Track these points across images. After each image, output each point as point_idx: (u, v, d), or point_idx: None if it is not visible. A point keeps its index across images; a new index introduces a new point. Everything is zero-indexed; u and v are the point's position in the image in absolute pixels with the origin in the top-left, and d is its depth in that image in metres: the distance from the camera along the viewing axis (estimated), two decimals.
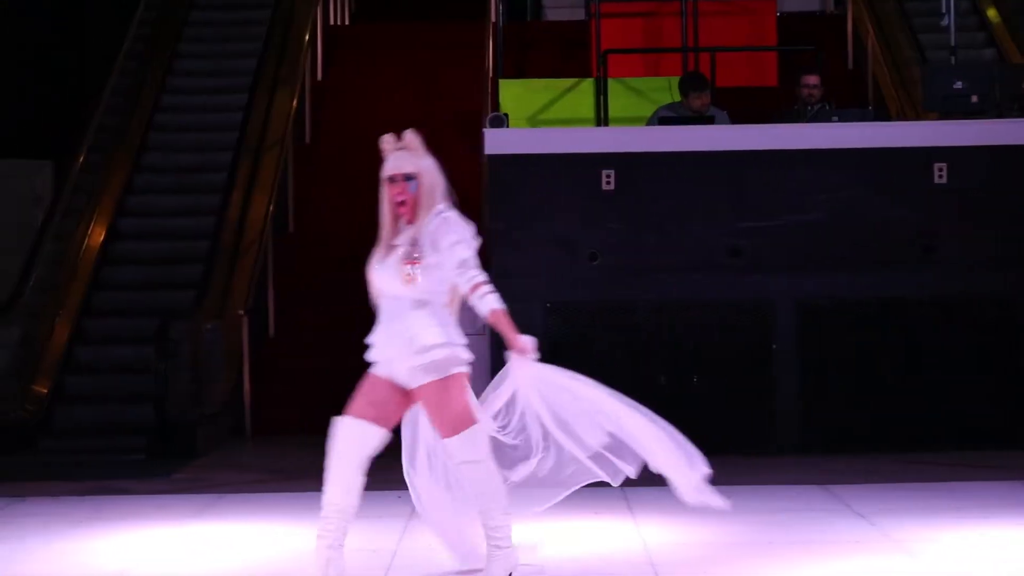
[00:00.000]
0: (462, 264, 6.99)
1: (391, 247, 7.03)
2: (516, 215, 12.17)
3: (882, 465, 11.21)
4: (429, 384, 6.99)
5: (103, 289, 14.68)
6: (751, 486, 10.44)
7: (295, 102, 16.81)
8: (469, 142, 14.48)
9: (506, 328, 7.13)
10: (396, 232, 7.05)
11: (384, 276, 7.02)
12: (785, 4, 18.33)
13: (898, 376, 12.03)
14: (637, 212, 12.09)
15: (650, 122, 13.05)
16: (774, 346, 11.99)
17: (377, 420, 7.15)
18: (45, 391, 13.48)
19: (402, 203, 7.00)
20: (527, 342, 7.18)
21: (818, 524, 9.06)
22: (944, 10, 13.04)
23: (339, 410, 13.72)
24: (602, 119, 13.51)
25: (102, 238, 15.00)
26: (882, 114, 14.97)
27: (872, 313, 12.04)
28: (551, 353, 12.01)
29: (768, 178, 12.07)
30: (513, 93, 14.58)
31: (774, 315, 11.97)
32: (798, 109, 13.33)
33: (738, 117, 13.33)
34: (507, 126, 12.80)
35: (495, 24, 16.50)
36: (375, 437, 7.14)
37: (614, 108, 13.70)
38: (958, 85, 12.40)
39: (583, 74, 15.13)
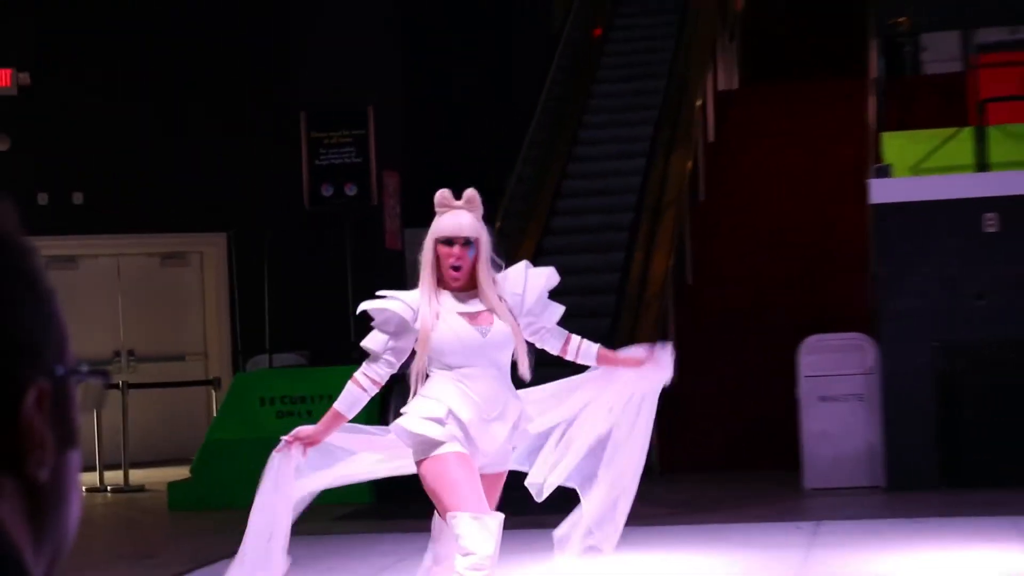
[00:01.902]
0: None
1: (471, 314, 5.90)
2: (903, 260, 12.09)
3: None
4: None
5: None
6: None
7: (690, 163, 16.91)
8: (854, 192, 14.35)
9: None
10: (438, 294, 5.94)
11: (481, 350, 5.86)
12: None
13: None
14: (1021, 253, 11.85)
15: None
16: None
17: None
18: None
19: (457, 268, 5.89)
20: None
21: None
22: None
23: (741, 448, 13.79)
24: (983, 165, 13.24)
25: None
26: None
27: None
28: (939, 390, 11.91)
29: None
30: (895, 144, 14.37)
31: None
32: None
33: None
34: (891, 176, 12.70)
35: (875, 79, 16.33)
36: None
37: (995, 154, 13.39)
38: None
39: (962, 123, 14.83)
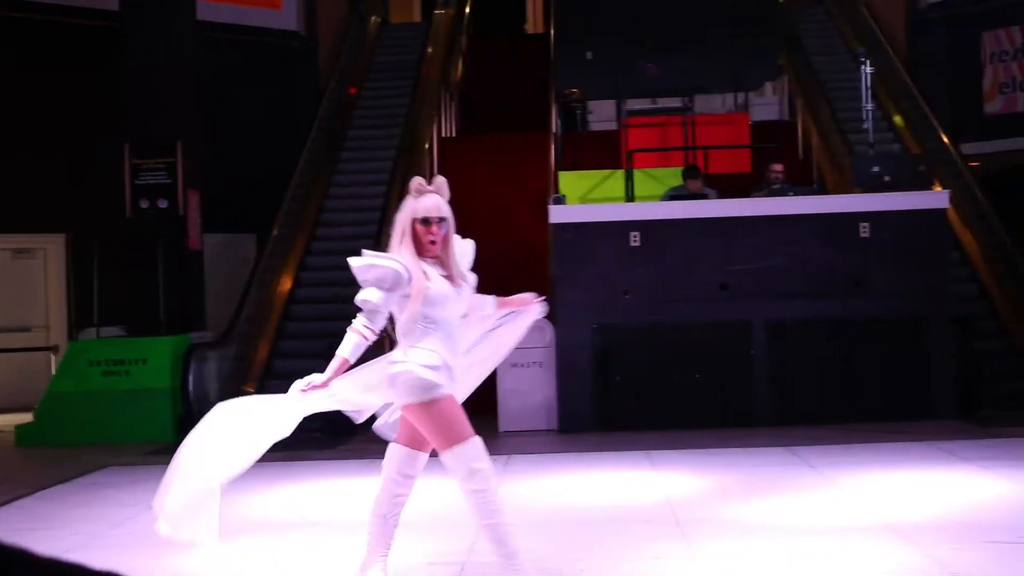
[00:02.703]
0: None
1: (445, 276, 5.41)
2: (572, 264, 12.25)
3: (830, 432, 11.18)
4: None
5: (291, 320, 14.84)
6: (739, 448, 10.44)
7: None
8: (539, 214, 14.57)
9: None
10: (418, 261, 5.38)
11: (458, 304, 5.42)
12: (755, 115, 18.34)
13: (840, 370, 12.00)
14: (655, 261, 12.14)
15: (663, 198, 13.10)
16: (752, 352, 11.99)
17: None
18: (253, 391, 13.63)
19: (433, 242, 5.40)
20: None
21: (783, 473, 9.06)
22: (864, 117, 13.01)
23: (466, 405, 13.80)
24: (630, 197, 13.56)
25: (289, 286, 15.17)
26: (823, 189, 14.95)
27: (819, 328, 12.02)
28: (597, 360, 12.15)
29: (746, 235, 12.09)
30: (568, 180, 14.65)
31: (751, 330, 11.96)
32: (766, 187, 13.34)
33: (725, 193, 13.34)
34: (565, 203, 12.89)
35: (555, 134, 16.60)
36: None
37: (638, 189, 13.75)
38: (875, 169, 12.36)
39: (616, 166, 15.18)
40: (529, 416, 12.45)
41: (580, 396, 12.08)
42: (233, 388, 13.50)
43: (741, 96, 18.36)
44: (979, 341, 12.79)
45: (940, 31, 18.95)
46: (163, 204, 13.85)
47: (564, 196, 13.32)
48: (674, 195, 12.99)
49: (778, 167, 13.40)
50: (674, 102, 17.95)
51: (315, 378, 5.39)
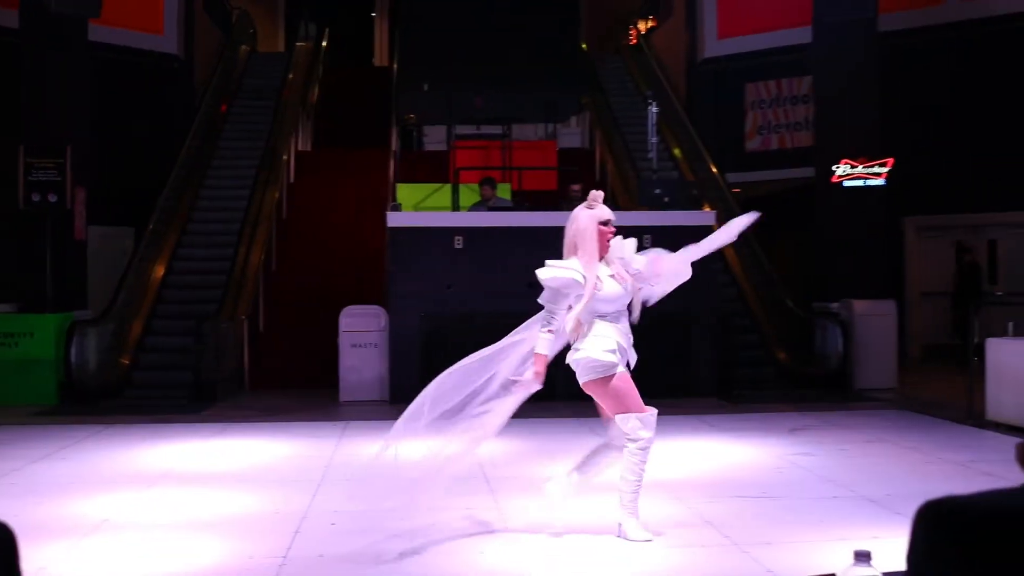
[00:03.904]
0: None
1: (613, 275, 5.62)
2: (405, 261, 12.24)
3: None
4: None
5: (162, 303, 14.48)
6: (540, 419, 10.50)
7: (278, 194, 16.70)
8: (380, 218, 14.49)
9: None
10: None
11: (624, 297, 5.61)
12: (561, 142, 18.56)
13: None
14: (475, 260, 12.21)
15: (471, 209, 13.14)
16: None
17: None
18: (127, 362, 13.27)
19: (608, 239, 5.63)
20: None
21: (575, 440, 9.16)
22: (650, 148, 13.30)
23: (303, 376, 13.65)
24: (456, 207, 13.59)
25: (162, 273, 14.80)
26: (615, 207, 15.17)
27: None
28: (423, 342, 12.16)
29: (549, 242, 12.21)
30: (404, 191, 14.60)
31: None
32: (567, 203, 13.51)
33: (533, 207, 13.44)
34: (401, 210, 12.86)
35: (395, 151, 16.54)
36: None
37: (463, 200, 13.78)
38: (658, 191, 12.65)
39: (445, 181, 15.19)
40: (365, 389, 12.41)
41: (408, 372, 12.05)
42: (110, 359, 13.11)
43: (550, 126, 18.55)
44: (735, 335, 13.21)
45: (711, 81, 19.50)
46: (53, 198, 13.35)
47: (400, 204, 13.30)
48: (496, 206, 13.05)
49: (576, 187, 13.58)
50: (495, 129, 18.04)
51: (530, 373, 5.57)
